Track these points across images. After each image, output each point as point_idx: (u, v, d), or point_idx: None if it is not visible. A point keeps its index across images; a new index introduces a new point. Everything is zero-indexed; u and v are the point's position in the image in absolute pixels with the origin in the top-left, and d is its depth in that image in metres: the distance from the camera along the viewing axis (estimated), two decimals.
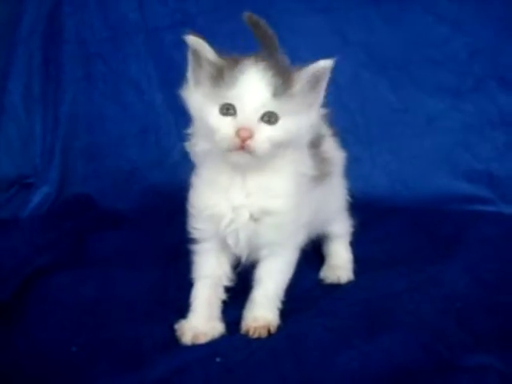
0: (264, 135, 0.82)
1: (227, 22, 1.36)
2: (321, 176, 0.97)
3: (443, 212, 1.47)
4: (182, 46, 0.88)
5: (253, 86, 0.82)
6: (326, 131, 1.04)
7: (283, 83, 0.83)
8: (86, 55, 1.62)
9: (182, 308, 0.94)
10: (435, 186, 1.55)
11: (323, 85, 0.86)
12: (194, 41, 0.85)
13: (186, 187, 0.95)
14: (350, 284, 1.10)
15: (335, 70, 0.85)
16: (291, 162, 0.89)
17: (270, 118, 0.83)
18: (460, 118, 1.56)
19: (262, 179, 0.89)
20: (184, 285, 0.96)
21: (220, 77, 0.84)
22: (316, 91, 0.86)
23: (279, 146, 0.84)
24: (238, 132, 0.81)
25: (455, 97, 1.56)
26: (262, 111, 0.82)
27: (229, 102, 0.83)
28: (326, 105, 0.88)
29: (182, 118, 0.92)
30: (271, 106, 0.83)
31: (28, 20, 1.58)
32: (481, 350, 0.84)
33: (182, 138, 0.94)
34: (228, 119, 0.83)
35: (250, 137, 0.81)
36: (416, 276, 1.10)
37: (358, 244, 1.18)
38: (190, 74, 0.88)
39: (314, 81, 0.85)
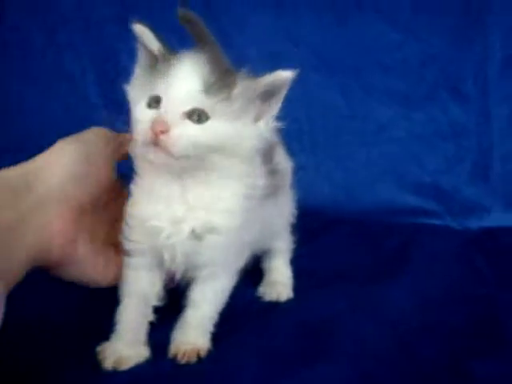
0: (183, 132, 0.73)
1: (169, 14, 1.29)
2: (273, 191, 0.89)
3: (389, 225, 1.42)
4: (122, 38, 0.79)
5: (182, 77, 0.74)
6: (276, 139, 0.95)
7: (220, 81, 0.74)
8: (17, 42, 1.52)
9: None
10: (381, 197, 1.51)
11: (278, 97, 0.77)
12: (140, 30, 0.78)
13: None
14: (288, 303, 1.03)
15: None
16: (239, 175, 0.80)
17: (198, 116, 0.74)
18: (409, 128, 1.52)
19: (206, 192, 0.80)
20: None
21: (155, 67, 0.77)
22: (268, 102, 0.77)
23: (205, 150, 0.75)
24: (152, 124, 0.72)
25: (405, 105, 1.52)
26: (188, 106, 0.73)
27: (156, 93, 0.75)
28: (278, 118, 0.80)
29: (117, 112, 0.82)
30: (201, 102, 0.74)
31: None
32: (427, 382, 0.79)
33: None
34: (151, 112, 0.75)
35: (165, 131, 0.71)
36: (359, 295, 1.03)
37: (297, 258, 1.11)
38: (138, 67, 0.81)
39: (268, 91, 0.76)
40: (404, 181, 1.51)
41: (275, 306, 1.02)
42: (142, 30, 0.78)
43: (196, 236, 0.81)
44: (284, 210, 1.03)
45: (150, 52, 0.79)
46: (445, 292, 1.07)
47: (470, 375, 0.81)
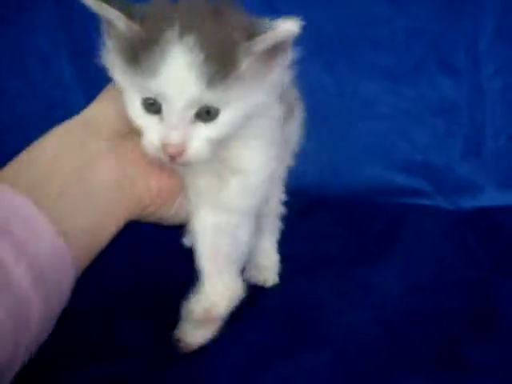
0: (200, 141, 0.65)
1: None
2: (286, 116, 0.82)
3: (376, 205, 1.37)
4: (95, 15, 0.70)
5: (179, 75, 0.61)
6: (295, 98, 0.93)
7: (223, 66, 0.61)
8: None
9: None
10: (368, 176, 1.45)
11: (287, 50, 0.66)
12: (93, 4, 0.63)
13: None
14: (273, 289, 0.98)
15: None
16: (260, 127, 0.73)
17: (207, 112, 0.64)
18: (397, 103, 1.46)
19: (225, 152, 0.72)
20: None
21: (135, 57, 0.63)
22: (275, 59, 0.66)
23: (223, 141, 0.68)
24: (164, 147, 0.64)
25: (393, 80, 1.45)
26: (194, 109, 0.63)
27: (151, 96, 0.64)
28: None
29: (92, 93, 0.75)
30: (207, 98, 0.63)
31: None
32: (417, 371, 0.75)
33: None
34: (154, 120, 0.65)
35: (182, 152, 0.64)
36: (345, 280, 0.99)
37: (282, 240, 1.05)
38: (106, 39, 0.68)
39: (272, 50, 0.64)
40: (392, 159, 1.46)
41: (259, 292, 0.97)
42: (96, 4, 0.64)
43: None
44: (292, 143, 1.03)
45: (119, 31, 0.65)
46: (436, 275, 1.03)
47: (464, 362, 0.78)
